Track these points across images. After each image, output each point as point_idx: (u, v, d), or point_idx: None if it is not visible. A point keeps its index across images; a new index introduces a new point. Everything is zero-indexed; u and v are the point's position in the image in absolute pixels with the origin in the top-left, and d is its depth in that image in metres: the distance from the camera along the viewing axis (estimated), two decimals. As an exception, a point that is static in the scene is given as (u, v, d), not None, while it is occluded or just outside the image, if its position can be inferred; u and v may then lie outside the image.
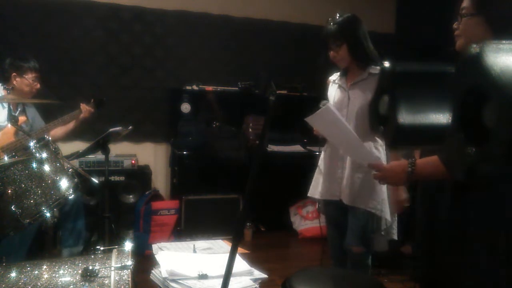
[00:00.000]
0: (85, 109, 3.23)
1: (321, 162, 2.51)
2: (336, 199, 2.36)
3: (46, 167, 2.17)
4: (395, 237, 2.39)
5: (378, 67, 2.26)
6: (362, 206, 2.28)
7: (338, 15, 2.31)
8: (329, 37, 2.31)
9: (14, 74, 3.07)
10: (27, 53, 3.29)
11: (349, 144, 2.04)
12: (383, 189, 2.27)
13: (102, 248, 1.86)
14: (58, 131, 3.28)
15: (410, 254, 3.55)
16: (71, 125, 3.29)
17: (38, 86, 3.17)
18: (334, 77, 2.49)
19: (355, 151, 2.07)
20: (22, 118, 3.12)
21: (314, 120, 1.97)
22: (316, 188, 2.48)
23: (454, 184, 1.47)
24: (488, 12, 1.45)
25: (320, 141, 2.48)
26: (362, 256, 2.35)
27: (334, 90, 2.45)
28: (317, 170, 2.52)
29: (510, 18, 1.41)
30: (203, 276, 1.72)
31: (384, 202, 2.28)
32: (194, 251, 2.12)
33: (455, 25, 1.54)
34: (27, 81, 3.09)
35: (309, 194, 2.54)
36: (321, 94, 2.56)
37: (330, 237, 2.53)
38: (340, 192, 2.34)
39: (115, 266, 1.68)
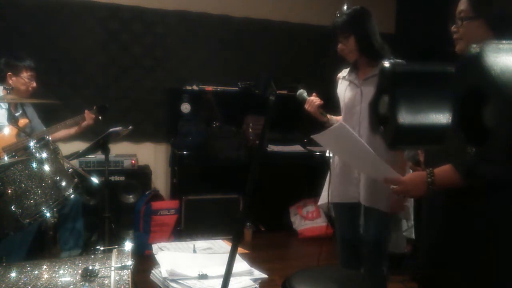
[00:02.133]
0: (89, 116, 3.23)
1: (332, 168, 2.44)
2: (355, 201, 2.30)
3: (46, 167, 2.17)
4: (413, 235, 2.36)
5: None
6: (381, 208, 2.22)
7: (346, 6, 2.25)
8: (337, 29, 2.24)
9: (9, 73, 3.07)
10: (23, 52, 3.29)
11: (363, 160, 1.96)
12: None
13: (102, 248, 1.86)
14: (59, 133, 3.28)
15: (410, 254, 3.55)
16: (73, 130, 3.29)
17: (34, 84, 3.16)
18: (344, 73, 2.41)
19: (370, 166, 1.98)
20: (24, 121, 3.12)
21: (325, 137, 1.89)
22: (330, 192, 2.40)
23: (460, 187, 1.47)
24: (488, 14, 1.44)
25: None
26: (377, 259, 2.31)
27: (344, 87, 2.36)
28: (328, 176, 2.45)
29: (510, 19, 1.41)
30: (203, 276, 1.73)
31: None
32: (194, 251, 2.12)
33: (454, 28, 1.53)
34: (22, 80, 3.09)
35: (320, 202, 2.46)
36: (328, 92, 2.51)
37: (342, 240, 2.45)
38: (358, 193, 2.28)
39: (115, 266, 1.68)
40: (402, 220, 2.28)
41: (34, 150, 2.16)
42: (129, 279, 1.64)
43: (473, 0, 1.48)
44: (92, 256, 1.79)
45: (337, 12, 2.27)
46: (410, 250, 3.58)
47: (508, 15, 1.42)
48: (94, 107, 3.33)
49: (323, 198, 2.47)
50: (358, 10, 2.25)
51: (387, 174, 1.78)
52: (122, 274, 1.65)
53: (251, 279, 1.78)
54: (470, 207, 1.48)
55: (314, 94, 2.35)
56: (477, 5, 1.47)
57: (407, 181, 1.69)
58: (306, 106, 2.34)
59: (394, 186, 1.74)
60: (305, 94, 2.37)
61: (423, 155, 1.89)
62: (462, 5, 1.50)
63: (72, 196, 2.36)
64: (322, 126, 2.29)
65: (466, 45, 1.51)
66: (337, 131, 1.85)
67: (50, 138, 2.35)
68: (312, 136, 1.89)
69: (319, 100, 2.33)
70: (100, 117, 3.30)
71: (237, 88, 4.50)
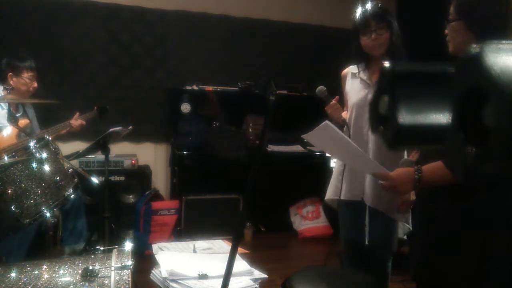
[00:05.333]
0: (75, 124, 3.22)
1: (336, 164, 2.43)
2: (358, 199, 2.28)
3: (46, 167, 2.17)
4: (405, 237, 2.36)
5: None
6: (385, 210, 2.20)
7: (370, 2, 2.18)
8: (374, 18, 2.14)
9: (10, 74, 3.07)
10: (23, 53, 3.29)
11: (351, 156, 1.97)
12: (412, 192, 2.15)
13: (102, 248, 1.87)
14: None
15: (409, 254, 3.55)
16: (64, 131, 3.29)
17: (35, 85, 3.16)
18: (354, 69, 2.33)
19: (358, 163, 2.00)
20: (24, 121, 3.12)
21: (312, 137, 1.90)
22: (335, 190, 2.37)
23: (455, 186, 1.47)
24: (468, 16, 1.48)
25: None
26: (383, 261, 2.30)
27: (355, 85, 2.30)
28: (333, 173, 2.43)
29: (489, 21, 1.44)
30: (203, 276, 1.72)
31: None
32: (194, 251, 2.12)
33: (446, 31, 1.57)
34: (23, 80, 3.09)
35: (326, 197, 2.44)
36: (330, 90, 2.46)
37: (347, 239, 2.42)
38: (362, 192, 2.26)
39: (115, 266, 1.68)
40: (405, 225, 2.27)
41: (34, 150, 2.16)
42: (129, 279, 1.64)
43: (456, 3, 1.52)
44: (92, 256, 1.80)
45: (365, 5, 2.19)
46: (408, 250, 3.59)
47: (487, 17, 1.45)
48: (95, 108, 3.33)
49: (329, 194, 2.44)
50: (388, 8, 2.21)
51: (375, 170, 1.80)
52: (122, 274, 1.65)
53: (251, 279, 1.78)
54: (468, 207, 1.48)
55: (337, 97, 2.30)
56: (459, 8, 1.51)
57: (394, 177, 1.71)
58: (329, 111, 2.29)
59: (382, 182, 1.76)
60: (326, 93, 2.30)
61: (416, 156, 1.90)
62: (451, 8, 1.55)
63: (72, 196, 2.36)
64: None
65: (453, 47, 1.55)
66: (322, 131, 1.85)
67: (50, 138, 2.35)
68: (302, 136, 1.90)
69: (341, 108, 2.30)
70: (100, 117, 3.31)
71: (237, 88, 4.50)
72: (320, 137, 1.93)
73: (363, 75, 2.28)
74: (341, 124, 2.28)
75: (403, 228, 2.31)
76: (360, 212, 2.32)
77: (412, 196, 2.16)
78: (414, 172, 1.59)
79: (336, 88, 2.47)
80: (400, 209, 2.16)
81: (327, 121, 1.82)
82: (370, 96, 2.22)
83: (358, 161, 1.98)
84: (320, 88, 2.31)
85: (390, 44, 2.18)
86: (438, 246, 1.57)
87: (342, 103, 2.39)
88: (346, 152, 1.97)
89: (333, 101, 2.28)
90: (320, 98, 2.32)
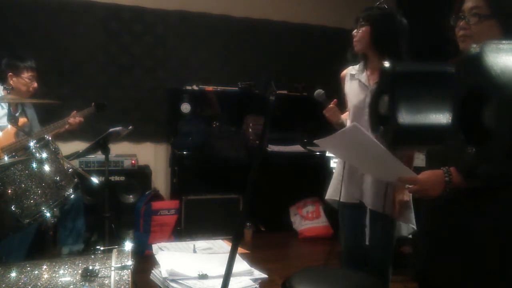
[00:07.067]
0: (73, 121, 3.19)
1: (337, 165, 2.42)
2: (356, 202, 2.27)
3: (46, 167, 2.17)
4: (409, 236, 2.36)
5: None
6: (388, 213, 2.19)
7: (378, 3, 2.18)
8: (361, 15, 2.17)
9: (10, 74, 3.06)
10: (24, 52, 3.29)
11: (375, 161, 1.87)
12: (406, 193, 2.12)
13: (102, 248, 1.86)
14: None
15: (410, 254, 3.55)
16: (62, 130, 3.27)
17: (35, 85, 3.15)
18: (353, 71, 2.31)
19: (382, 167, 1.89)
20: (22, 120, 3.12)
21: (331, 141, 1.80)
22: (335, 191, 2.36)
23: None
24: (503, 14, 1.39)
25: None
26: (384, 262, 2.29)
27: (354, 86, 2.28)
28: (334, 173, 2.43)
29: None
30: (203, 276, 1.72)
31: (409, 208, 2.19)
32: (194, 251, 2.12)
33: (463, 25, 1.46)
34: (23, 80, 3.08)
35: (327, 197, 2.43)
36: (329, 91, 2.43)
37: (347, 241, 2.40)
38: (361, 194, 2.25)
39: (115, 266, 1.68)
40: (409, 226, 2.26)
41: (34, 150, 2.16)
42: (129, 279, 1.64)
43: (491, 1, 1.41)
44: (92, 256, 1.79)
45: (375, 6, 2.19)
46: (410, 251, 3.59)
47: None
48: (92, 104, 3.31)
49: (329, 194, 2.42)
50: (384, 9, 2.18)
51: (402, 173, 1.72)
52: (122, 274, 1.65)
53: (251, 279, 1.78)
54: (472, 208, 1.47)
55: (335, 100, 2.29)
56: (493, 3, 1.40)
57: (424, 180, 1.63)
58: (327, 114, 2.28)
59: (410, 186, 1.69)
60: (324, 96, 2.30)
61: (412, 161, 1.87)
62: (474, 1, 1.43)
63: (72, 196, 2.36)
64: (323, 127, 2.27)
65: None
66: (350, 133, 1.77)
67: (50, 138, 2.35)
68: (316, 141, 1.82)
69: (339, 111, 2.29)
70: (98, 113, 3.28)
71: (237, 88, 4.50)
72: (343, 140, 1.83)
73: (361, 77, 2.26)
74: (337, 124, 2.28)
75: (408, 227, 2.30)
76: (360, 213, 2.31)
77: (407, 196, 2.16)
78: (444, 174, 1.54)
79: (336, 88, 2.47)
80: (396, 210, 2.15)
81: (355, 123, 1.76)
82: (368, 98, 2.18)
83: (382, 166, 1.87)
84: (318, 91, 2.30)
85: (371, 40, 2.14)
86: (444, 247, 1.57)
87: (343, 104, 2.39)
88: (370, 155, 1.85)
89: (331, 105, 2.27)
90: (318, 101, 2.32)
